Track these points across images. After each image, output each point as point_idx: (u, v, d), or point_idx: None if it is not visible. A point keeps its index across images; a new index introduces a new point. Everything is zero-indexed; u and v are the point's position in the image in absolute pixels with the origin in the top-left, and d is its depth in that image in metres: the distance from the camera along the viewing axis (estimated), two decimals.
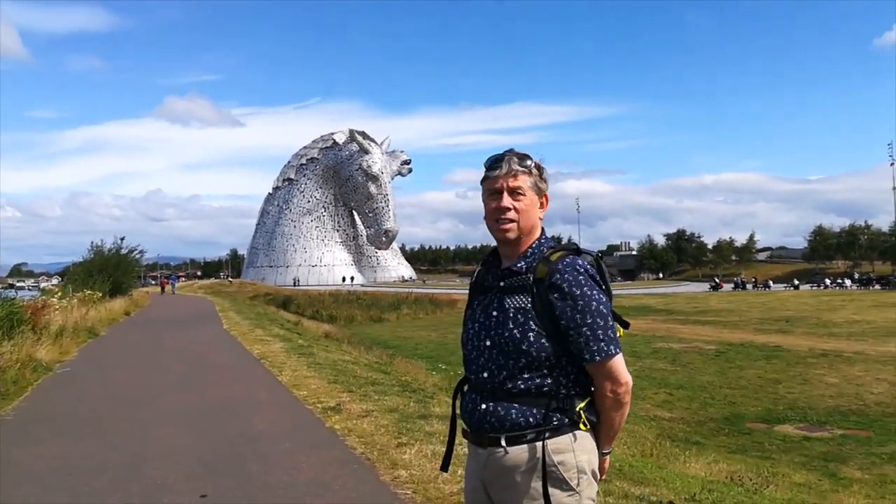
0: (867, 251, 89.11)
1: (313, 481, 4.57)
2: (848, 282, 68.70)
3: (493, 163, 1.98)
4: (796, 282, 69.65)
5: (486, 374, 1.92)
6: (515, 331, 1.89)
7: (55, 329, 13.49)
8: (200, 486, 4.53)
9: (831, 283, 68.54)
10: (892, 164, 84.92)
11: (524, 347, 1.87)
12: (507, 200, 1.94)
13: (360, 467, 4.87)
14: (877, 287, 62.38)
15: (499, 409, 1.89)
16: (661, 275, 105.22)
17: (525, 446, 1.87)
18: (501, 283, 1.96)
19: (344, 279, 75.21)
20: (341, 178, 79.79)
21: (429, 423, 6.15)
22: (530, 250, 1.97)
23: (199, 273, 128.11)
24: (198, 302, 36.21)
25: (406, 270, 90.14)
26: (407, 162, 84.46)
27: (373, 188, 76.34)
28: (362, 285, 69.41)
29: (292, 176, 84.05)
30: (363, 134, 77.83)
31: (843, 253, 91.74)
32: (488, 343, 1.93)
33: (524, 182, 1.95)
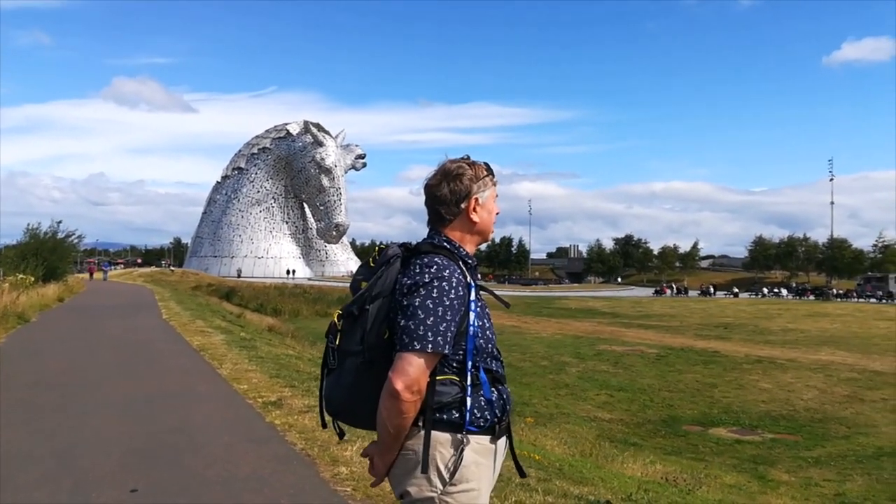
0: (804, 262, 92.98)
1: (251, 477, 4.47)
2: (784, 291, 71.46)
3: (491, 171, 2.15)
4: (736, 290, 72.07)
5: (502, 363, 2.08)
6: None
7: None
8: (132, 479, 4.37)
9: (769, 293, 71.14)
10: (831, 179, 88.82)
11: None
12: None
13: (300, 464, 4.79)
14: (811, 297, 65.04)
15: None
16: (619, 279, 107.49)
17: None
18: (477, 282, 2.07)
19: (288, 272, 74.07)
20: (293, 170, 78.57)
21: None
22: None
23: (139, 260, 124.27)
24: (136, 290, 35.12)
25: (355, 265, 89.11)
26: (361, 156, 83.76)
27: (325, 181, 75.44)
28: (309, 279, 68.57)
29: (243, 165, 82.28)
30: (318, 126, 76.80)
31: (781, 263, 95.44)
32: (494, 337, 2.06)
33: None
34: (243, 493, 4.14)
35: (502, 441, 2.02)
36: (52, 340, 12.69)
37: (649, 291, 74.63)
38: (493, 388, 1.95)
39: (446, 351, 1.86)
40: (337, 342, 1.99)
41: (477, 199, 2.06)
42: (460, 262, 1.99)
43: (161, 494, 4.13)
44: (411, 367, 1.83)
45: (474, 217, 2.06)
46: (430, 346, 1.83)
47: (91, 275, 49.45)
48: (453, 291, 1.88)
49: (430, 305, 1.85)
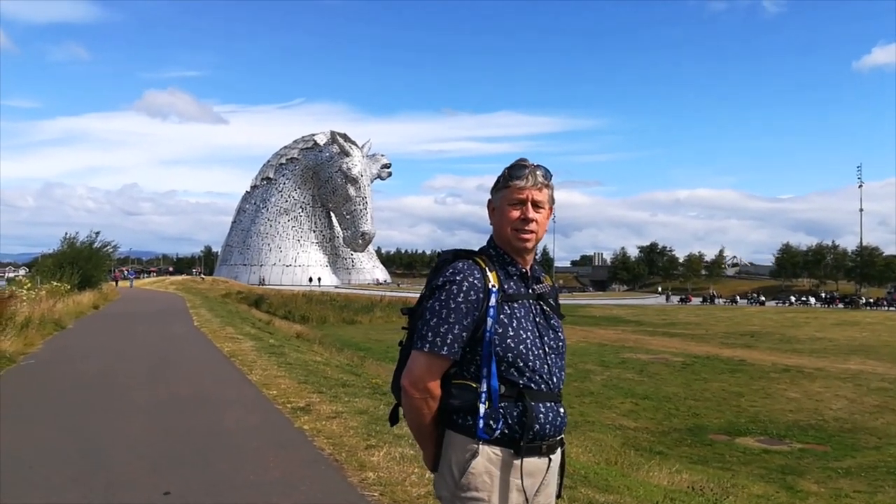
0: (832, 270, 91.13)
1: (280, 481, 4.58)
2: (812, 299, 70.12)
3: (520, 171, 1.99)
4: (762, 298, 70.86)
5: (555, 380, 1.99)
6: (561, 334, 2.07)
7: (21, 320, 13.26)
8: (165, 482, 4.50)
9: (796, 301, 69.89)
10: (860, 185, 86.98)
11: (565, 350, 2.08)
12: (531, 213, 1.98)
13: (328, 468, 4.89)
14: (840, 306, 63.74)
15: (563, 411, 2.03)
16: (659, 290, 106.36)
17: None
18: (531, 290, 2.04)
19: (311, 279, 74.75)
20: (320, 180, 79.36)
21: (398, 426, 6.18)
22: (535, 258, 2.10)
23: (171, 269, 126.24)
24: (168, 298, 35.73)
25: (381, 273, 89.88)
26: (387, 166, 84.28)
27: (352, 190, 76.06)
28: (336, 287, 69.04)
29: (271, 175, 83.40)
30: (344, 136, 77.50)
31: (809, 271, 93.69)
32: (546, 349, 1.99)
33: (545, 196, 2.01)
34: (272, 497, 4.24)
35: (538, 461, 1.93)
36: (87, 347, 13.03)
37: (663, 299, 73.69)
38: (518, 404, 1.88)
39: (444, 353, 1.86)
40: (405, 340, 2.10)
41: (491, 203, 2.06)
42: (496, 268, 1.98)
43: (192, 497, 4.24)
44: (414, 365, 1.92)
45: (491, 220, 2.07)
46: (427, 345, 1.88)
47: (116, 282, 50.33)
48: (462, 295, 1.88)
49: (437, 308, 1.90)
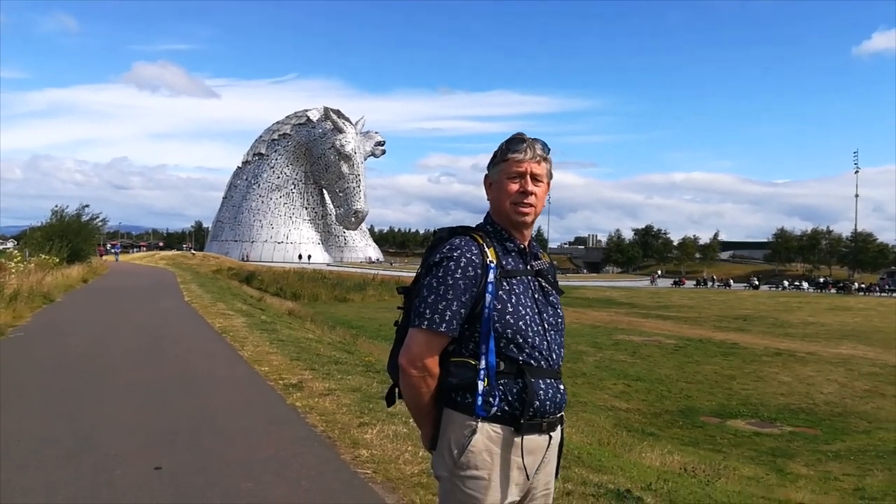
0: (826, 256, 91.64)
1: (272, 458, 4.51)
2: (805, 284, 70.56)
3: (518, 145, 1.96)
4: (756, 281, 71.24)
5: (554, 356, 1.96)
6: (560, 310, 2.04)
7: (9, 293, 13.11)
8: (155, 458, 4.43)
9: (789, 285, 70.30)
10: (856, 172, 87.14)
11: (564, 327, 2.05)
12: (530, 185, 1.95)
13: (321, 446, 4.82)
14: (832, 291, 64.19)
15: (563, 388, 2.00)
16: (659, 273, 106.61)
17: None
18: (530, 266, 2.00)
19: (300, 257, 74.49)
20: (313, 156, 78.82)
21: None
22: (532, 234, 2.05)
23: (161, 244, 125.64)
24: (158, 273, 35.53)
25: (373, 252, 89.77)
26: (381, 143, 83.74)
27: (345, 168, 75.61)
28: (328, 264, 68.91)
29: (263, 151, 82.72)
30: (338, 112, 76.85)
31: (803, 256, 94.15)
32: (546, 326, 1.95)
33: (544, 169, 1.98)
34: (264, 475, 4.18)
35: (538, 438, 1.91)
36: (76, 320, 12.91)
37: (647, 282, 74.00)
38: (518, 380, 1.85)
39: (443, 330, 1.83)
40: (400, 319, 2.04)
41: (489, 178, 2.04)
42: (494, 244, 1.94)
43: (184, 474, 4.17)
44: (412, 343, 1.87)
45: (488, 195, 2.03)
46: (425, 323, 1.84)
47: (101, 256, 49.92)
48: (460, 271, 1.85)
49: (434, 284, 1.86)
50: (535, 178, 1.95)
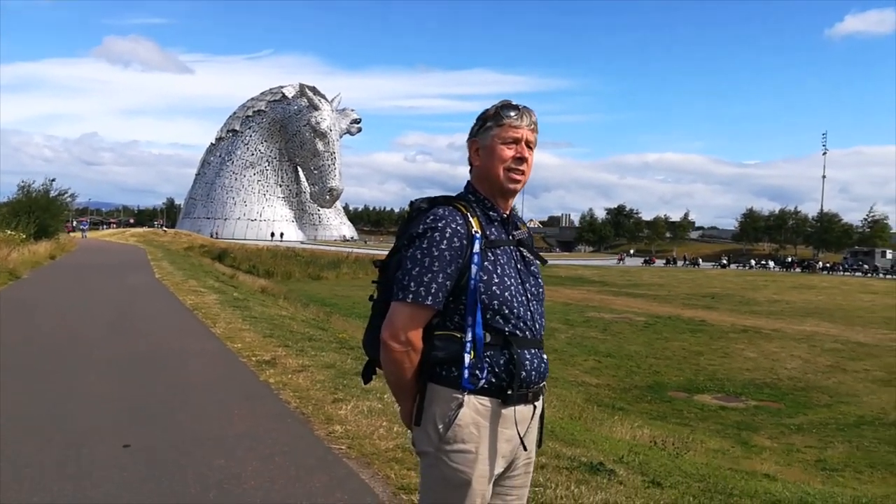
0: (793, 235, 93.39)
1: (245, 434, 4.49)
2: (772, 263, 71.92)
3: (514, 110, 1.90)
4: (724, 260, 72.46)
5: (537, 326, 1.94)
6: (540, 280, 2.01)
7: None
8: (125, 436, 4.37)
9: (756, 264, 71.62)
10: (824, 153, 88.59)
11: (544, 296, 2.02)
12: (526, 152, 1.90)
13: (295, 421, 4.82)
14: (797, 270, 65.52)
15: (546, 357, 1.99)
16: (631, 252, 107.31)
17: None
18: (511, 236, 1.96)
19: (273, 235, 73.67)
20: (288, 133, 77.83)
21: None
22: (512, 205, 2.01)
23: (131, 220, 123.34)
24: (129, 249, 34.95)
25: (348, 230, 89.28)
26: (357, 121, 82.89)
27: (320, 145, 74.83)
28: (302, 242, 68.36)
29: (237, 127, 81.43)
30: (314, 89, 75.82)
31: (770, 236, 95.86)
32: (528, 296, 1.93)
33: (534, 138, 1.94)
34: (237, 450, 4.15)
35: (524, 409, 1.90)
36: (44, 297, 12.66)
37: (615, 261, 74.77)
38: (504, 351, 1.83)
39: (429, 302, 1.78)
40: (376, 294, 1.99)
41: (476, 143, 1.94)
42: (478, 214, 1.89)
43: (154, 451, 4.12)
44: (396, 317, 1.81)
45: (475, 161, 1.95)
46: (410, 296, 1.79)
47: (69, 232, 48.99)
48: (445, 242, 1.80)
49: (419, 256, 1.80)
50: (529, 146, 1.91)
